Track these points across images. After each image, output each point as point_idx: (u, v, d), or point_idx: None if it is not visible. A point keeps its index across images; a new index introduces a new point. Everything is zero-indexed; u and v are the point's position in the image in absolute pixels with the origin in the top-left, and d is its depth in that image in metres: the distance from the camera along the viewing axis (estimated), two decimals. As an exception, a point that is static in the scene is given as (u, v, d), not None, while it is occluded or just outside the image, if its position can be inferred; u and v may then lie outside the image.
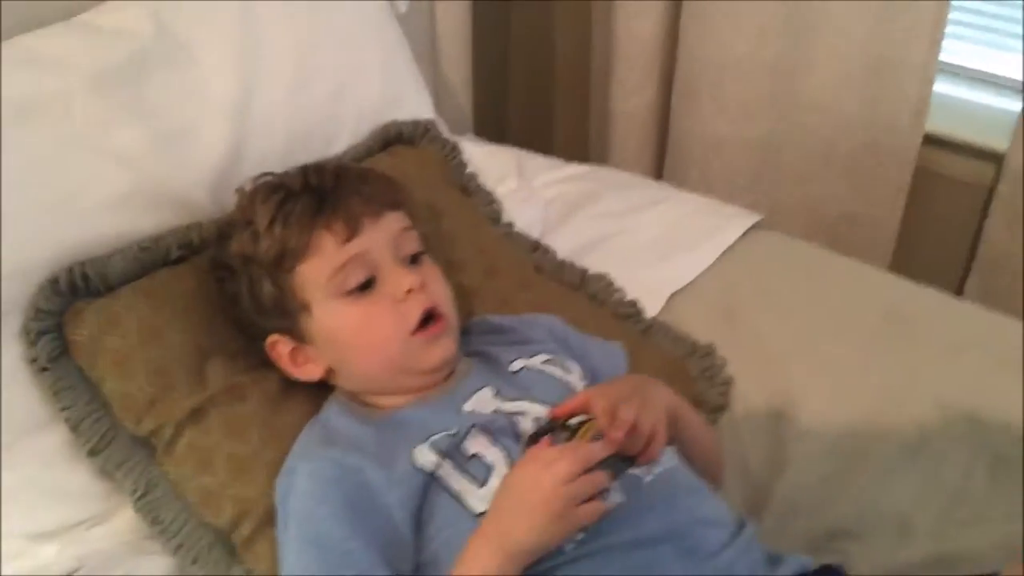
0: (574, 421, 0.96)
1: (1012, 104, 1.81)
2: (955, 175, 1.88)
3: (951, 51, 1.82)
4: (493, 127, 2.14)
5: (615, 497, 0.91)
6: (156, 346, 1.06)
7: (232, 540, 1.02)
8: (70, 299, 1.06)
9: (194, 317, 1.09)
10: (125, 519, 1.06)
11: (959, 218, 1.91)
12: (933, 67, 1.73)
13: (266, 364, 1.08)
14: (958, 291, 1.92)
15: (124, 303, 1.06)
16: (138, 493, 1.04)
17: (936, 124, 1.81)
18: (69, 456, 1.06)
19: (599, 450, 0.87)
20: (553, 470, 0.85)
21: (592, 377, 1.12)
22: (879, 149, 1.84)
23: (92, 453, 1.05)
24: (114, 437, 1.05)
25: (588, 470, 0.86)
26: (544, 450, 0.88)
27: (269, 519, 1.00)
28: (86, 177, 1.10)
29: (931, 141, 1.83)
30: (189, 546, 1.02)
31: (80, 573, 1.04)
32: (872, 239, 1.93)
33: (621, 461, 0.93)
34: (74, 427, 1.04)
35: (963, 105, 1.88)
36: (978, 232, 1.88)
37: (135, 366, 1.04)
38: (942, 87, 1.81)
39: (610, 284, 1.35)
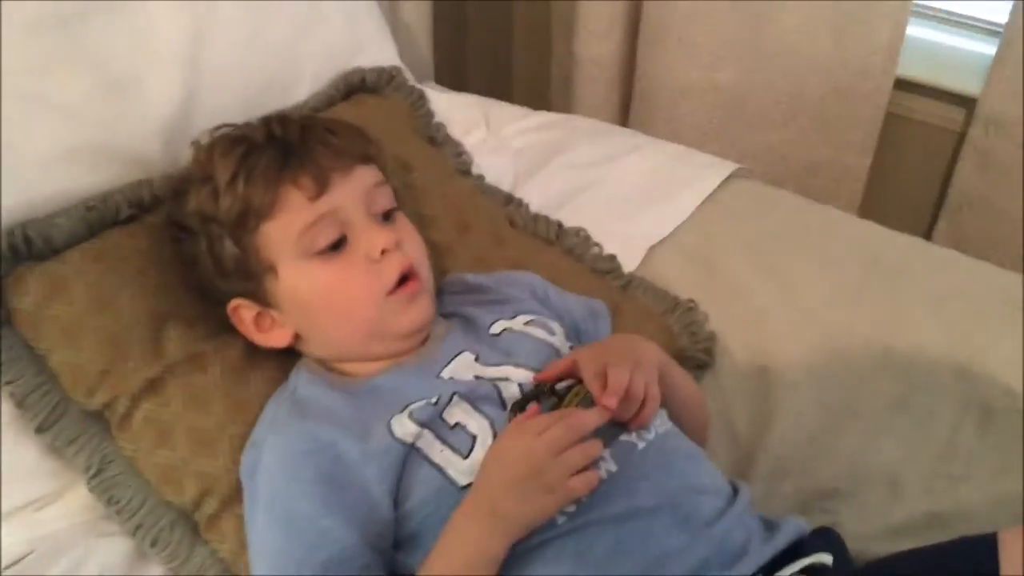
0: (561, 386, 0.92)
1: (984, 47, 1.78)
2: (925, 119, 1.86)
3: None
4: (452, 74, 2.06)
5: (608, 466, 0.86)
6: (107, 313, 0.98)
7: (195, 519, 0.96)
8: (11, 264, 0.98)
9: (148, 281, 1.01)
10: (79, 498, 0.99)
11: (928, 163, 1.90)
12: (906, 10, 1.69)
13: (228, 330, 1.01)
14: (926, 236, 1.91)
15: (71, 267, 0.99)
16: (92, 471, 0.97)
17: (907, 68, 1.77)
18: (15, 433, 0.98)
19: (592, 418, 0.82)
20: (544, 440, 0.80)
21: (575, 337, 1.07)
22: (850, 94, 1.81)
23: (40, 429, 0.97)
24: (64, 412, 0.97)
25: (580, 439, 0.81)
26: (533, 418, 0.83)
27: (235, 496, 0.94)
28: (24, 131, 1.01)
29: (902, 85, 1.80)
30: (148, 526, 0.96)
31: (31, 557, 0.97)
32: (841, 185, 1.91)
33: (613, 427, 0.88)
34: (19, 402, 0.96)
35: (934, 48, 1.85)
36: (947, 177, 1.86)
37: (85, 335, 0.97)
38: (914, 30, 1.77)
39: (587, 238, 1.29)
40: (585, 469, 0.81)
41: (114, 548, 0.97)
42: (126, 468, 0.97)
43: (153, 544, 0.95)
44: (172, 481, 0.96)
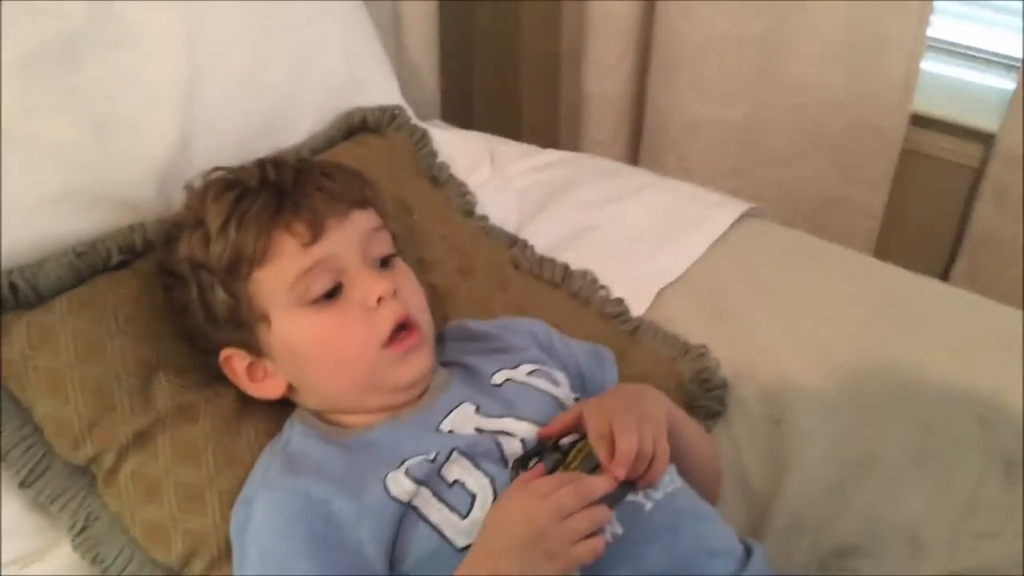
0: (566, 441, 0.88)
1: (1003, 82, 1.74)
2: (942, 156, 1.83)
3: (940, 27, 1.74)
4: (458, 112, 2.03)
5: (613, 529, 0.82)
6: (95, 363, 0.94)
7: (184, 579, 0.92)
8: (-4, 312, 0.94)
9: (138, 329, 0.98)
10: (63, 556, 0.95)
11: (945, 200, 1.86)
12: (921, 44, 1.66)
13: (219, 380, 0.97)
14: (943, 276, 1.87)
15: (58, 315, 0.95)
16: (76, 528, 0.93)
17: (923, 103, 1.74)
18: (-3, 488, 0.94)
19: (601, 485, 0.78)
20: (549, 503, 0.76)
21: (581, 388, 1.02)
22: (864, 130, 1.78)
23: (24, 485, 0.93)
24: (48, 466, 0.93)
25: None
26: (538, 480, 0.79)
27: (224, 555, 0.90)
28: (11, 174, 0.98)
29: (918, 121, 1.77)
30: (135, 587, 0.92)
31: (13, 618, 0.93)
32: (856, 223, 1.88)
33: (620, 488, 0.84)
34: (2, 456, 0.93)
35: (951, 83, 1.81)
36: (965, 215, 1.82)
37: (71, 386, 0.93)
38: (929, 65, 1.74)
39: (594, 281, 1.25)
40: (591, 535, 0.77)
41: (99, 610, 0.93)
42: (112, 525, 0.93)
43: (139, 605, 0.91)
44: (159, 539, 0.91)
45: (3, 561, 0.94)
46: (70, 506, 0.93)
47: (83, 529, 0.93)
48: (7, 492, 0.94)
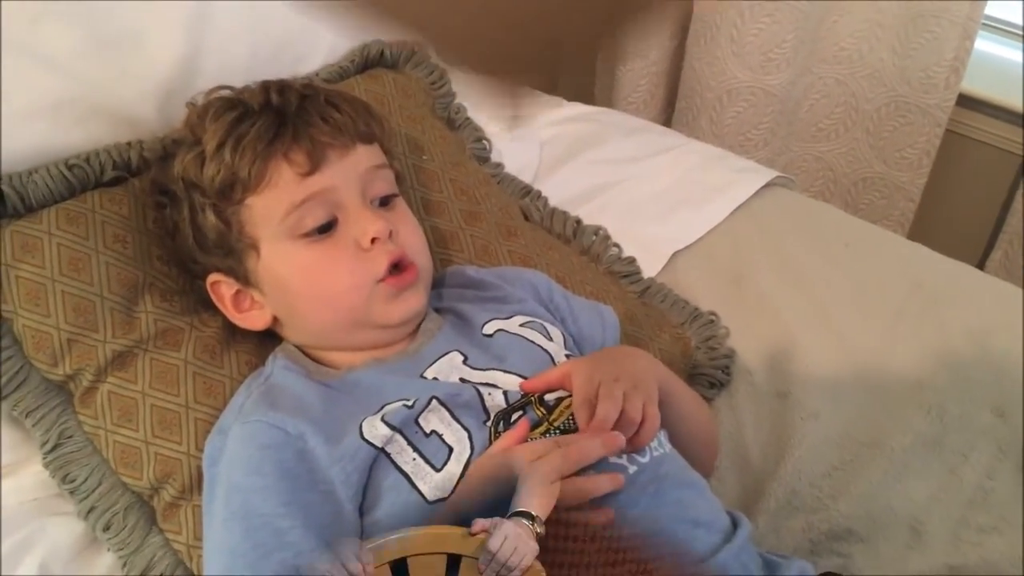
0: (551, 397, 0.84)
1: (1058, 67, 1.67)
2: (987, 139, 1.77)
3: (995, 5, 1.67)
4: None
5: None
6: (79, 278, 0.92)
7: (152, 505, 0.90)
8: (-19, 219, 0.92)
9: (127, 248, 0.95)
10: (34, 474, 0.93)
11: (988, 186, 1.80)
12: (976, 21, 1.59)
13: (206, 308, 0.95)
14: (979, 265, 1.81)
15: (44, 227, 0.92)
16: (49, 445, 0.91)
17: (971, 83, 1.67)
18: (-28, 400, 0.92)
19: (595, 450, 0.76)
20: (541, 468, 0.73)
21: (577, 345, 0.98)
22: (908, 108, 1.72)
23: (-1, 397, 0.91)
24: (25, 379, 0.91)
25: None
26: (536, 443, 0.77)
27: (195, 484, 0.88)
28: (6, 80, 0.95)
29: (964, 101, 1.70)
30: (102, 509, 0.90)
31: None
32: (892, 203, 1.84)
33: None
34: (-22, 366, 0.91)
35: (1001, 64, 1.74)
36: (1007, 202, 1.76)
37: (53, 300, 0.90)
38: (981, 44, 1.67)
39: (606, 238, 1.21)
40: None
41: (65, 530, 0.90)
42: (85, 445, 0.91)
43: (105, 529, 0.89)
44: (132, 463, 0.90)
45: (-27, 472, 0.93)
46: (44, 422, 0.91)
47: (55, 447, 0.91)
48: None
